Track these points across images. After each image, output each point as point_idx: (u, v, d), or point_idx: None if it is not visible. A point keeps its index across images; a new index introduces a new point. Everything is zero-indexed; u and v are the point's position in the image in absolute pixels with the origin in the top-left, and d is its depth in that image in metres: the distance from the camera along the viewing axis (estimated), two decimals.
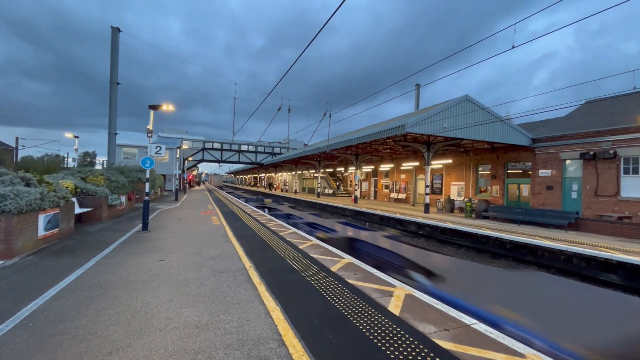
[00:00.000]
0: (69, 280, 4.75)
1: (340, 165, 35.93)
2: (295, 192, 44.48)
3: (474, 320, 3.59)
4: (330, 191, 37.49)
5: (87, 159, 57.82)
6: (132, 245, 7.37)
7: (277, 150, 49.37)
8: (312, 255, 6.57)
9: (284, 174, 55.65)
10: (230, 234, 9.05)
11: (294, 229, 10.15)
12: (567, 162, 14.63)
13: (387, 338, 3.14)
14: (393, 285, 4.75)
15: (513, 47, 8.49)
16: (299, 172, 45.37)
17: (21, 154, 34.66)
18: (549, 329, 4.32)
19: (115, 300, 3.99)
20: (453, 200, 19.59)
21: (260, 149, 48.39)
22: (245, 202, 26.04)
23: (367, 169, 30.99)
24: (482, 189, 19.22)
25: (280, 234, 9.18)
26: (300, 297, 4.18)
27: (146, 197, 9.70)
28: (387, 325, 3.41)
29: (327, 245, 7.64)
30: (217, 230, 9.71)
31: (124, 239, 8.03)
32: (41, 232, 6.86)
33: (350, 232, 11.74)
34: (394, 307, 3.92)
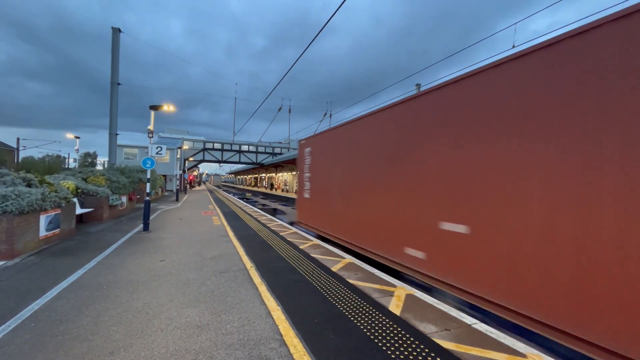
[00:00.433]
0: (71, 280, 4.76)
1: None
2: (296, 192, 44.55)
3: (475, 320, 3.59)
4: None
5: (88, 160, 57.95)
6: (133, 245, 7.38)
7: (277, 150, 49.41)
8: (312, 255, 6.57)
9: (285, 174, 55.68)
10: (231, 234, 9.06)
11: (294, 229, 10.15)
12: None
13: (388, 338, 3.14)
14: (394, 285, 4.75)
15: (513, 46, 8.49)
16: None
17: (22, 154, 34.76)
18: None
19: (117, 301, 4.00)
20: None
21: (260, 149, 48.45)
22: (233, 195, 32.02)
23: None
24: None
25: (280, 233, 9.19)
26: (301, 297, 4.18)
27: (147, 198, 9.71)
28: (388, 325, 3.41)
29: (328, 245, 7.64)
30: (218, 230, 9.72)
31: (125, 240, 8.05)
32: (42, 233, 6.87)
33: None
34: (395, 307, 3.92)
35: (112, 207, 12.20)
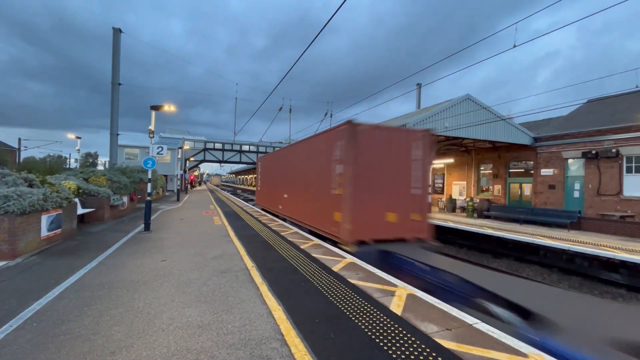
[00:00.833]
0: (72, 280, 4.77)
1: None
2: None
3: (476, 320, 3.58)
4: None
5: (89, 160, 58.03)
6: (134, 245, 7.40)
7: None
8: (313, 255, 6.58)
9: None
10: (232, 234, 9.07)
11: (295, 229, 10.16)
12: (569, 161, 14.58)
13: (389, 338, 3.14)
14: (395, 285, 4.74)
15: (514, 46, 8.47)
16: None
17: (24, 154, 34.83)
18: None
19: (118, 301, 4.00)
20: (455, 199, 19.56)
21: (261, 149, 48.42)
22: (228, 192, 40.21)
23: None
24: (484, 189, 19.18)
25: (281, 233, 9.19)
26: (302, 297, 4.18)
27: (148, 198, 9.73)
28: (389, 325, 3.41)
29: (329, 245, 7.64)
30: (219, 230, 9.73)
31: (126, 240, 8.06)
32: (44, 233, 6.89)
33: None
34: (396, 306, 3.92)
35: (113, 207, 12.22)
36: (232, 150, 46.41)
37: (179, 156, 35.11)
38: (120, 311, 3.69)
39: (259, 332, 3.22)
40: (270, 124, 19.81)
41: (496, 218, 15.53)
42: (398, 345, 3.00)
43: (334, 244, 7.73)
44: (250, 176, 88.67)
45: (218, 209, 16.87)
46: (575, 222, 12.64)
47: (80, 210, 9.63)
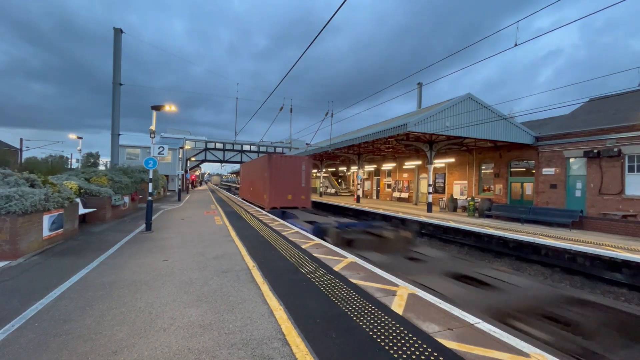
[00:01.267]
0: (74, 280, 4.78)
1: (343, 164, 35.91)
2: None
3: (478, 320, 3.58)
4: (333, 190, 37.46)
5: (91, 160, 58.14)
6: (135, 245, 7.41)
7: (279, 150, 49.40)
8: (315, 254, 6.57)
9: None
10: (233, 233, 9.08)
11: (296, 229, 10.16)
12: (571, 160, 14.53)
13: (391, 337, 3.13)
14: (396, 285, 4.74)
15: (516, 44, 8.43)
16: None
17: (25, 155, 34.90)
18: None
19: (120, 300, 4.01)
20: (456, 199, 19.52)
21: (262, 148, 48.45)
22: (228, 191, 44.83)
23: (370, 168, 30.95)
24: (485, 188, 19.14)
25: (283, 233, 9.19)
26: (304, 297, 4.18)
27: (149, 198, 9.74)
28: (390, 325, 3.40)
29: (330, 245, 7.64)
30: (220, 230, 9.74)
31: (128, 239, 8.08)
32: (46, 233, 6.91)
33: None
34: (398, 306, 3.91)
35: (114, 207, 12.25)
36: (233, 150, 46.46)
37: (180, 156, 35.15)
38: (122, 311, 3.70)
39: (261, 332, 3.22)
40: (271, 124, 19.83)
41: (497, 217, 15.50)
42: (399, 345, 3.00)
43: (262, 209, 16.78)
44: None
45: (219, 208, 16.89)
46: (577, 221, 12.59)
47: (82, 210, 9.65)
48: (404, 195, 25.66)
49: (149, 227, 9.33)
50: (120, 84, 16.41)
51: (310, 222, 11.64)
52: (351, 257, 6.40)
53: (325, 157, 30.28)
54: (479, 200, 17.19)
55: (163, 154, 10.57)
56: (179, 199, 23.14)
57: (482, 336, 3.20)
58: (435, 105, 17.61)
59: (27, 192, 6.30)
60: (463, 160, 20.29)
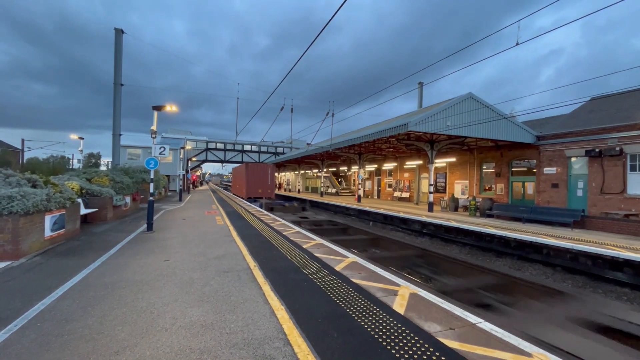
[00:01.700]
0: (76, 280, 4.79)
1: (344, 164, 35.90)
2: (299, 191, 44.51)
3: (480, 319, 3.57)
4: (334, 190, 37.46)
5: (92, 160, 58.27)
6: (137, 245, 7.42)
7: (280, 150, 49.44)
8: (316, 254, 6.57)
9: (288, 173, 55.71)
10: (234, 233, 9.08)
11: (297, 228, 10.16)
12: (573, 159, 14.49)
13: (392, 337, 3.13)
14: (398, 284, 4.73)
15: (517, 44, 8.41)
16: (302, 171, 45.42)
17: (27, 155, 35.01)
18: None
19: (121, 301, 4.02)
20: (457, 198, 19.49)
21: (263, 148, 48.51)
22: (225, 190, 52.94)
23: (370, 168, 30.94)
24: (487, 187, 19.11)
25: (284, 233, 9.19)
26: (305, 297, 4.18)
27: (151, 198, 9.76)
28: (392, 325, 3.40)
29: (331, 245, 7.64)
30: (221, 230, 9.74)
31: (129, 240, 8.09)
32: (47, 233, 6.93)
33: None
34: (399, 306, 3.91)
35: (116, 208, 12.27)
36: (234, 150, 46.52)
37: (181, 156, 35.17)
38: (123, 311, 3.70)
39: (262, 332, 3.22)
40: (272, 124, 19.85)
41: (498, 217, 15.46)
42: (401, 344, 2.99)
43: (243, 200, 24.57)
44: None
45: (220, 208, 16.91)
46: (579, 220, 12.56)
47: (84, 211, 9.67)
48: (405, 194, 25.64)
49: (150, 227, 9.35)
50: (122, 85, 16.43)
51: (267, 204, 23.06)
52: (352, 257, 6.40)
53: (326, 157, 30.28)
54: (480, 199, 17.16)
55: (164, 154, 10.58)
56: (180, 199, 23.17)
57: (484, 336, 3.20)
58: (436, 105, 17.58)
59: (29, 192, 6.31)
60: (464, 159, 20.26)
